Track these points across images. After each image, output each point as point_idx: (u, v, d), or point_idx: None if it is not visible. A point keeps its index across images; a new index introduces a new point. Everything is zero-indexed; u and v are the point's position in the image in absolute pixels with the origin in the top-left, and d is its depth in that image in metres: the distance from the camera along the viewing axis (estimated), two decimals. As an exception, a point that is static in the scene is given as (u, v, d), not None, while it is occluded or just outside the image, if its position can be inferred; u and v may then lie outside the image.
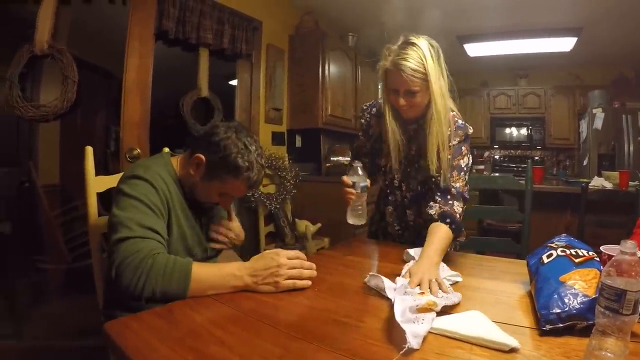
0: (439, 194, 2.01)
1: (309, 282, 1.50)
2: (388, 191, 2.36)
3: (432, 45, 1.89)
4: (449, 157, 2.02)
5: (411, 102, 1.93)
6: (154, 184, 1.66)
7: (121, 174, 2.17)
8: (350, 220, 2.09)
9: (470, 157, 2.12)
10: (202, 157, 1.74)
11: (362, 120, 2.36)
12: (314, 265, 1.57)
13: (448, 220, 1.88)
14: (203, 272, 1.43)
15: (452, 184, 2.01)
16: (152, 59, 3.36)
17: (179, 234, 1.78)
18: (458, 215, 1.95)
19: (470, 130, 2.13)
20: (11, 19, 3.10)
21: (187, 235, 1.81)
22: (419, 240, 1.88)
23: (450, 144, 2.04)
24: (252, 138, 1.77)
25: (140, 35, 3.28)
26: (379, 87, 2.07)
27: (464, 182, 2.06)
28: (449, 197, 1.99)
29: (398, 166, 2.18)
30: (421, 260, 1.59)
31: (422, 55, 1.84)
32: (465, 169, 2.08)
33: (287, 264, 1.49)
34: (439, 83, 1.89)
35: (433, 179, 2.06)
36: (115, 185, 1.96)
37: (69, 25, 3.14)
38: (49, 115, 2.92)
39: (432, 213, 1.96)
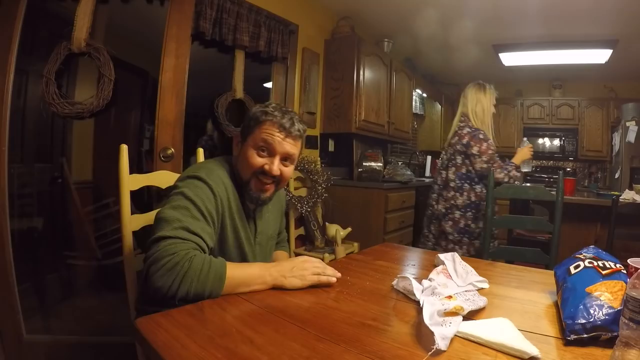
0: None
1: (334, 279, 1.56)
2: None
3: None
4: None
5: None
6: (214, 189, 1.66)
7: (156, 173, 2.20)
8: (526, 169, 3.57)
9: None
10: (237, 133, 1.87)
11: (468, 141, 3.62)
12: (335, 270, 1.64)
13: None
14: (235, 271, 1.46)
15: None
16: (188, 60, 3.39)
17: (235, 240, 1.80)
18: None
19: None
20: (49, 16, 3.14)
21: (242, 240, 1.83)
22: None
23: None
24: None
25: (177, 36, 3.31)
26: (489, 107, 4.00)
27: None
28: None
29: None
30: None
31: None
32: None
33: (312, 260, 1.59)
34: None
35: None
36: (150, 184, 2.01)
37: (106, 23, 3.20)
38: (85, 112, 2.95)
39: None
